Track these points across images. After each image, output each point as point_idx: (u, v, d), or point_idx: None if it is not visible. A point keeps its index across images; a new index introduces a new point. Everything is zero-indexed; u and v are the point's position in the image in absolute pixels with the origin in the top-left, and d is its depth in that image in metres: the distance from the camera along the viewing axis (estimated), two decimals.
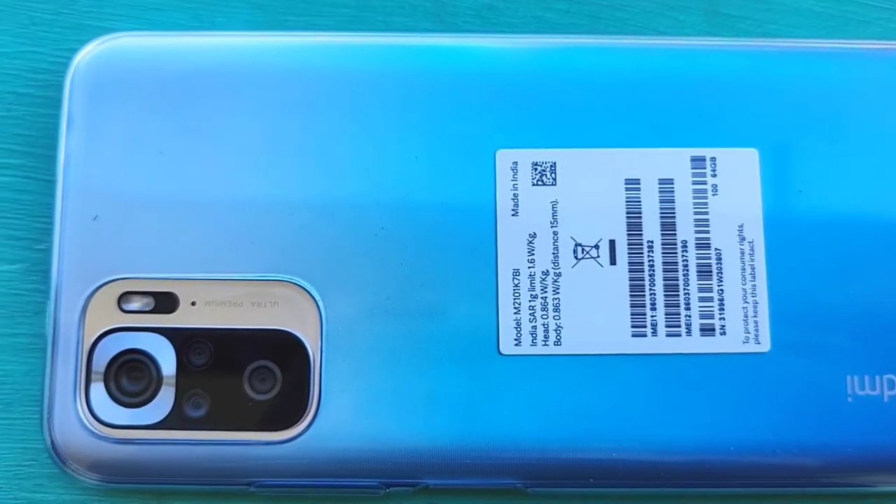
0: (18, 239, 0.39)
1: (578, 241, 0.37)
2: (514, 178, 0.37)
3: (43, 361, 0.36)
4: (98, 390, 0.36)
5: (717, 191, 0.37)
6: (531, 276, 0.36)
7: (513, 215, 0.37)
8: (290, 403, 0.36)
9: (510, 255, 0.37)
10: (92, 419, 0.36)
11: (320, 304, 0.36)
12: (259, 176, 0.37)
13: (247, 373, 0.36)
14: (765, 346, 0.36)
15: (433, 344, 0.36)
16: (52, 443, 0.36)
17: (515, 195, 0.37)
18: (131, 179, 0.37)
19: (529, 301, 0.36)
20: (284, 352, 0.36)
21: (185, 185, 0.37)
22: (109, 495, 0.38)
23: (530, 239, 0.37)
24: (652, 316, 0.36)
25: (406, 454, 0.36)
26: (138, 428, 0.36)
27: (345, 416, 0.36)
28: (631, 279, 0.36)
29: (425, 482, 0.36)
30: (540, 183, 0.37)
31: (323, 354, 0.36)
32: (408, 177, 0.37)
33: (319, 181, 0.37)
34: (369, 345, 0.36)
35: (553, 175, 0.37)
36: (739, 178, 0.37)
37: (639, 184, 0.37)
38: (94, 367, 0.36)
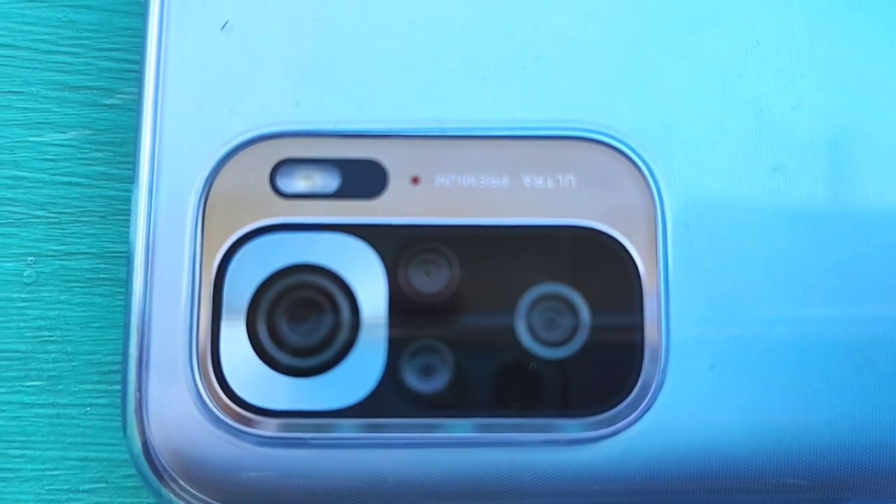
0: (70, 88, 0.22)
1: None
2: None
3: (126, 300, 0.19)
4: (237, 347, 0.19)
5: None
6: None
7: None
8: (608, 366, 0.19)
9: None
10: (225, 401, 0.19)
11: (658, 185, 0.19)
12: None
13: (522, 308, 0.19)
14: None
15: (859, 257, 0.19)
16: (145, 447, 0.19)
17: None
18: None
19: None
20: (595, 268, 0.19)
21: None
22: None
23: None
24: None
25: (825, 455, 0.19)
26: (314, 415, 0.19)
27: (712, 389, 0.19)
28: None
29: None
30: None
31: (667, 274, 0.19)
32: None
33: None
34: (750, 259, 0.19)
35: None
36: None
37: None
38: (227, 304, 0.19)
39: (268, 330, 0.19)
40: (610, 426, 0.19)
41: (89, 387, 0.21)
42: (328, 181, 0.19)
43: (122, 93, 0.22)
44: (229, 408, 0.19)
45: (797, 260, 0.19)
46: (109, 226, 0.21)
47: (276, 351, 0.19)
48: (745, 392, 0.19)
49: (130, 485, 0.20)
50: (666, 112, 0.20)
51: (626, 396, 0.19)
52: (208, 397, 0.19)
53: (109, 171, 0.22)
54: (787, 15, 0.20)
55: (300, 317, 0.19)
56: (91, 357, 0.21)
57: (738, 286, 0.19)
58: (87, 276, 0.21)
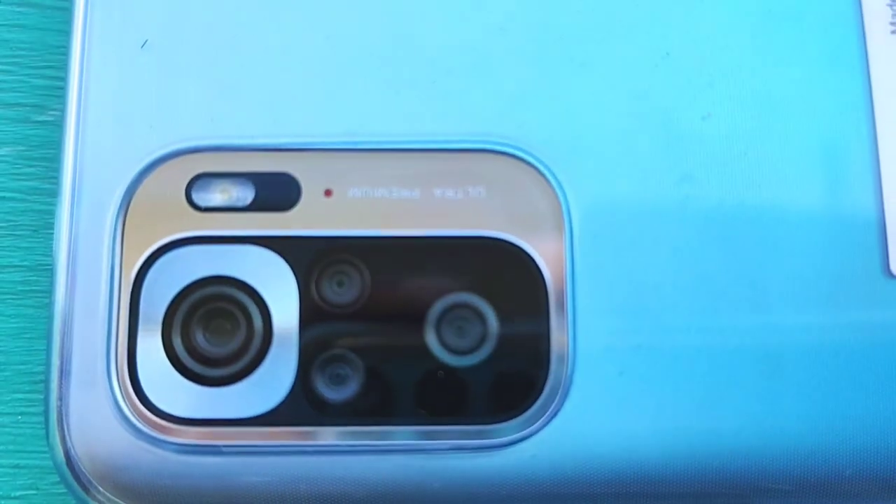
0: (4, 105, 0.23)
1: None
2: None
3: (49, 312, 0.19)
4: (153, 357, 0.19)
5: None
6: None
7: (893, 33, 0.21)
8: (516, 373, 0.19)
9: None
10: (142, 411, 0.19)
11: (565, 195, 0.20)
12: None
13: (431, 317, 0.19)
14: None
15: (768, 265, 0.20)
16: (67, 456, 0.19)
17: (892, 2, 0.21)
18: None
19: None
20: (503, 278, 0.19)
21: None
22: None
23: None
24: None
25: (732, 460, 0.19)
26: (228, 423, 0.19)
27: (620, 395, 0.19)
28: None
29: None
30: None
31: (574, 283, 0.19)
32: None
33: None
34: (658, 268, 0.19)
35: None
36: None
37: None
38: (143, 315, 0.19)
39: (182, 340, 0.19)
40: (518, 432, 0.19)
41: (21, 396, 0.21)
42: (243, 194, 0.20)
43: (54, 109, 0.22)
44: (146, 417, 0.19)
45: (705, 268, 0.19)
46: (41, 239, 0.22)
47: (191, 361, 0.19)
48: (654, 398, 0.19)
49: (60, 491, 0.21)
50: (575, 124, 0.20)
51: (533, 403, 0.19)
52: (126, 407, 0.19)
53: (41, 186, 0.22)
54: (697, 26, 0.20)
55: (214, 327, 0.19)
56: (22, 367, 0.21)
57: (647, 294, 0.19)
58: (19, 289, 0.22)
